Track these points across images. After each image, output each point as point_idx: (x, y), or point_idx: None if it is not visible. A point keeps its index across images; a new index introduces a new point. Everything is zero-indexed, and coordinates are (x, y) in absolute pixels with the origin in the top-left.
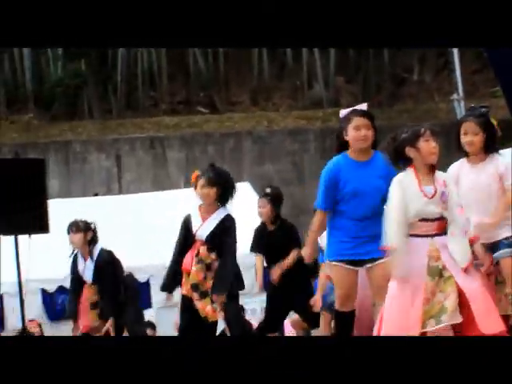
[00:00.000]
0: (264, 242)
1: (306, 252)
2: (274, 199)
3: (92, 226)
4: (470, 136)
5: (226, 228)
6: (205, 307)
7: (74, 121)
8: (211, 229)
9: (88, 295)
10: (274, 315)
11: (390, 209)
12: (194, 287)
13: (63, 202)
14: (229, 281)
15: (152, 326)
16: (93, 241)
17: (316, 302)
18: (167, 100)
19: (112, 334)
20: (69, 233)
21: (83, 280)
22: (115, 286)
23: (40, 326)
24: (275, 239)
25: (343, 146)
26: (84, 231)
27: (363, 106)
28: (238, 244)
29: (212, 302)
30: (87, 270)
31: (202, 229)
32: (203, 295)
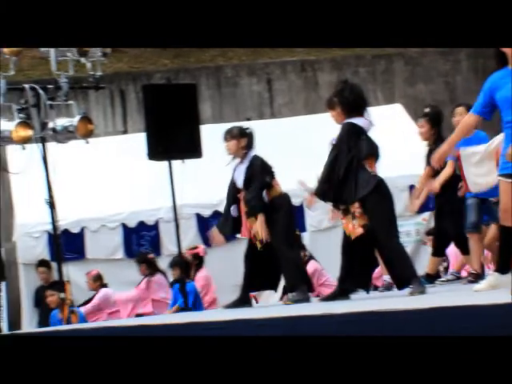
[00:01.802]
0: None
1: (440, 149)
2: (433, 119)
3: (247, 131)
4: None
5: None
6: (348, 225)
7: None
8: None
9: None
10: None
11: None
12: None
13: (216, 127)
14: None
15: (303, 248)
16: (247, 146)
17: None
18: None
19: (263, 234)
20: (225, 140)
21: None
22: (260, 189)
23: (204, 251)
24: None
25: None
26: (238, 137)
27: None
28: (390, 166)
29: (352, 218)
30: (239, 175)
31: None
32: (345, 212)
